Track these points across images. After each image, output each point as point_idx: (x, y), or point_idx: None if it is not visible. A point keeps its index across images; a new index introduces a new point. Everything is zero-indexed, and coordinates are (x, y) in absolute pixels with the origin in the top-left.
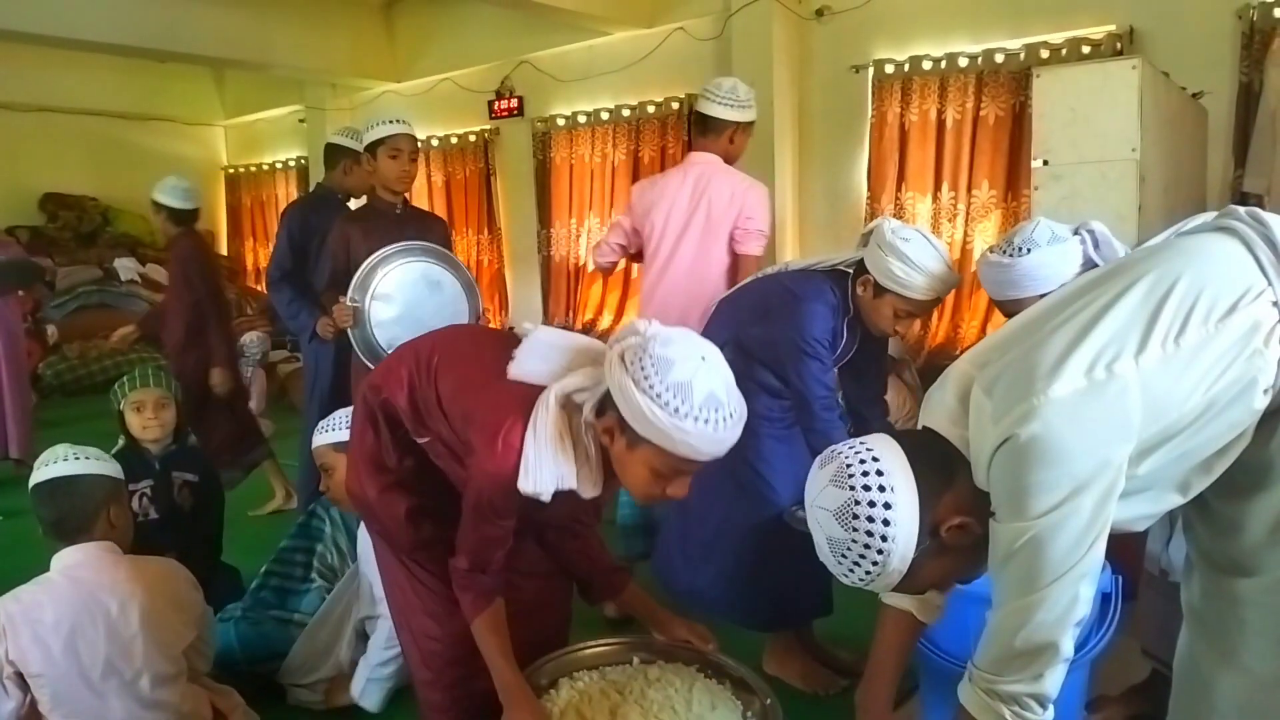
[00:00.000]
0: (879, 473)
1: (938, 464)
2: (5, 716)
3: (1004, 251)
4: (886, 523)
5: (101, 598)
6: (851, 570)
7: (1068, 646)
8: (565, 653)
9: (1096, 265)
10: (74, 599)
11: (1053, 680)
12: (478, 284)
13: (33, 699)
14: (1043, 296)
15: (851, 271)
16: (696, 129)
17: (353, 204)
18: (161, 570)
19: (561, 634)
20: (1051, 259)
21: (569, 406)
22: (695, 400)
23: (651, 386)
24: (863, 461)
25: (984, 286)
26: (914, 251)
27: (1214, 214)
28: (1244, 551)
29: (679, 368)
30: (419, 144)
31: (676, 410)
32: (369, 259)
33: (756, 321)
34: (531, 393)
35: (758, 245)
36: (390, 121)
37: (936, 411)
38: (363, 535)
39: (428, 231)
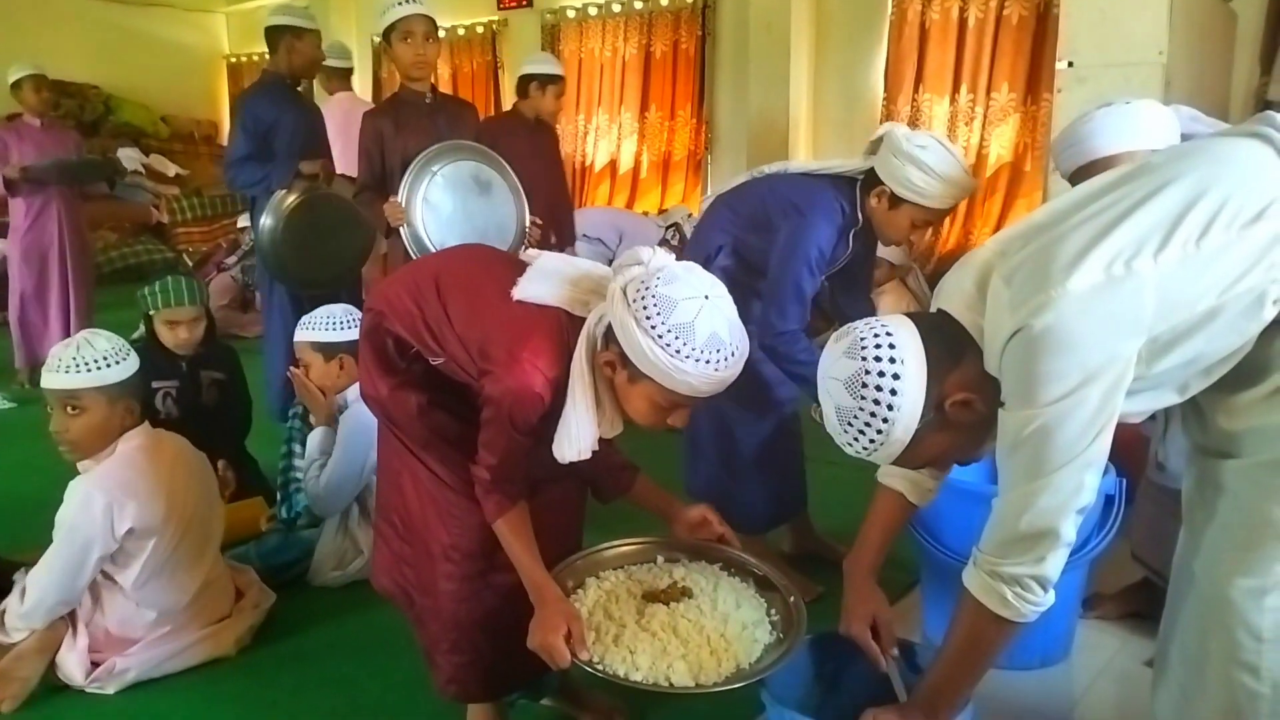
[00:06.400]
0: (891, 346)
1: (949, 343)
2: (90, 564)
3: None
4: (894, 392)
5: (177, 470)
6: (856, 439)
7: (1069, 532)
8: (590, 552)
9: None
10: (160, 468)
11: (1054, 564)
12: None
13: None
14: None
15: (860, 179)
16: None
17: (318, 89)
18: (190, 448)
19: (577, 534)
20: (1139, 111)
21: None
22: (697, 342)
23: (654, 327)
24: (876, 335)
25: (1058, 165)
26: (932, 159)
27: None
28: (1227, 437)
29: (682, 308)
30: (436, 25)
31: (678, 351)
32: (419, 157)
33: (755, 230)
34: (543, 312)
35: None
36: (400, 3)
37: (953, 296)
38: (343, 421)
39: (459, 120)
